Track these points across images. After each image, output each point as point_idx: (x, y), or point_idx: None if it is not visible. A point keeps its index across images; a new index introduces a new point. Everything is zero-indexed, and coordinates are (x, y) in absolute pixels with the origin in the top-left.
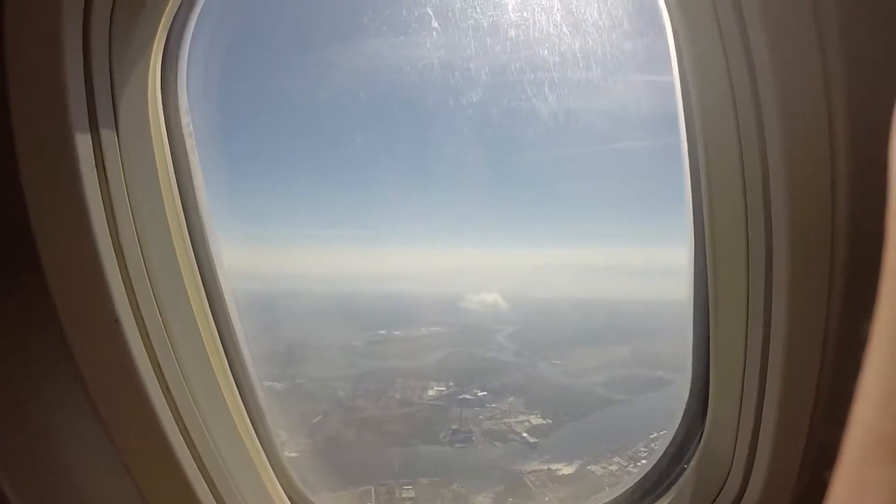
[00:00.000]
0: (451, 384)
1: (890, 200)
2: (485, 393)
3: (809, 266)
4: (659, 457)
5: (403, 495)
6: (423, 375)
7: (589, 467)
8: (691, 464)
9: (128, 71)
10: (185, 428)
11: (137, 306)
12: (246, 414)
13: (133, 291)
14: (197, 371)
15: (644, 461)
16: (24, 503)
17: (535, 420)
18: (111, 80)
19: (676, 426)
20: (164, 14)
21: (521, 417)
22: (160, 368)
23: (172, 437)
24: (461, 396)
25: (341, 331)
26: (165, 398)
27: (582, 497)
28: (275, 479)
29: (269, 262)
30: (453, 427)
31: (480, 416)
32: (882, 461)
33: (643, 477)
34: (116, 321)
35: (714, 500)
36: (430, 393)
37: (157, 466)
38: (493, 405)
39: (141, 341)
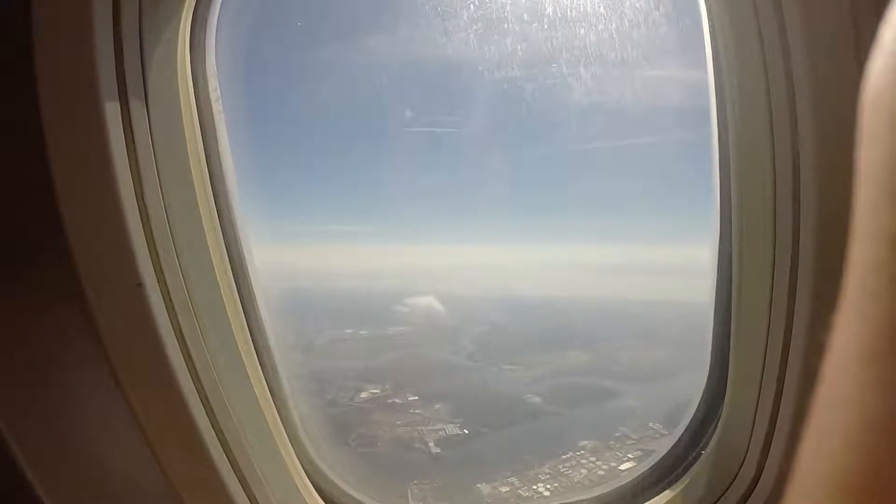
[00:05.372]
0: (386, 387)
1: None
2: (415, 398)
3: (835, 264)
4: (674, 443)
5: None
6: (364, 377)
7: (478, 485)
8: (706, 451)
9: (158, 34)
10: (206, 395)
11: (161, 270)
12: (264, 380)
13: (157, 255)
14: (218, 337)
15: (540, 485)
16: (38, 472)
17: (451, 430)
18: (140, 44)
19: (692, 413)
20: None
21: (438, 426)
22: (182, 334)
23: (192, 404)
24: (390, 400)
25: (307, 329)
26: (186, 364)
27: None
28: (290, 448)
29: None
30: (361, 431)
31: (397, 422)
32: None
33: (657, 462)
34: (139, 285)
35: (728, 488)
36: (363, 395)
37: (174, 433)
38: (417, 411)
39: (164, 306)
